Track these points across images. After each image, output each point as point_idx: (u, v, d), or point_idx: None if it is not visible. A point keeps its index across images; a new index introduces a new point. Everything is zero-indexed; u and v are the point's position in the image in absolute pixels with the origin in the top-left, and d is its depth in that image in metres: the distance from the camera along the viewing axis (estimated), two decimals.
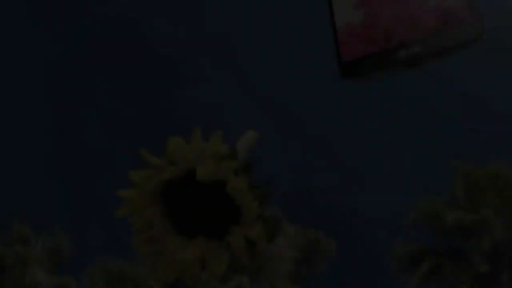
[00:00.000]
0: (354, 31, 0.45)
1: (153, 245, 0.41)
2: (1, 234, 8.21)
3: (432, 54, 0.41)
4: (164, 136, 0.41)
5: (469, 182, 7.85)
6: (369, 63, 0.43)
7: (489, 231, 7.48)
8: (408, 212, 7.65)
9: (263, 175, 0.41)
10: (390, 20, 0.44)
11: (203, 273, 0.40)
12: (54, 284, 8.19)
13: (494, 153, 7.91)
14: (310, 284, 8.83)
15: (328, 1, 0.47)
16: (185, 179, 0.41)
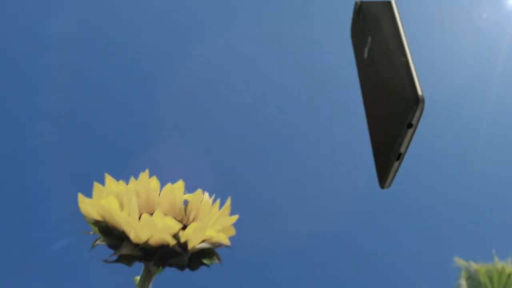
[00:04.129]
0: None
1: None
2: None
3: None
4: None
5: (472, 278, 7.65)
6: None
7: None
8: None
9: None
10: None
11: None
12: None
13: (497, 247, 7.78)
14: None
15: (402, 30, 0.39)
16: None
